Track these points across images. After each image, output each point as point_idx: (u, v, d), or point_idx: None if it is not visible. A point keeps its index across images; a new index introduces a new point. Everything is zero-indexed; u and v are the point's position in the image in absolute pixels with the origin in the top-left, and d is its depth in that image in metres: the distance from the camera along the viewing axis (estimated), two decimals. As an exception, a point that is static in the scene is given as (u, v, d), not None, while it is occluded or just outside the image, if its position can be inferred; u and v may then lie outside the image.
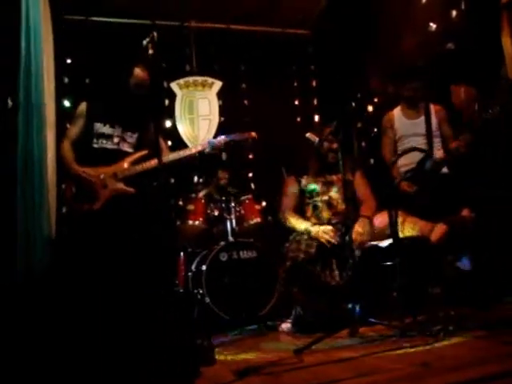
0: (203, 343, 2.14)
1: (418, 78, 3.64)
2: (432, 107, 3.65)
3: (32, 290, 2.64)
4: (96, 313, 2.32)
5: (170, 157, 2.93)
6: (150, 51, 2.44)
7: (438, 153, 3.36)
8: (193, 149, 3.07)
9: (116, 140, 2.97)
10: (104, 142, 2.95)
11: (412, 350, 2.02)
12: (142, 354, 1.94)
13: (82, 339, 2.08)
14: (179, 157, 2.96)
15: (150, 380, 1.85)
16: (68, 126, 3.96)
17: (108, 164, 2.87)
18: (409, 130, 3.62)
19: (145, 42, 2.48)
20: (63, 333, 2.16)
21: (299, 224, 3.12)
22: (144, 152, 2.94)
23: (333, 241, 2.97)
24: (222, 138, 3.10)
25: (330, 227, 3.01)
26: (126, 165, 2.89)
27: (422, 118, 3.61)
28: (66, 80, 4.49)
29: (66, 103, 4.40)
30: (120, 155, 2.92)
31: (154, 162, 2.85)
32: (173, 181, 4.45)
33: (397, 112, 3.73)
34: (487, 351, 1.86)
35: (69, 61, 4.57)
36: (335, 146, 3.09)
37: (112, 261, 2.60)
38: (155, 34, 2.42)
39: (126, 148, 2.98)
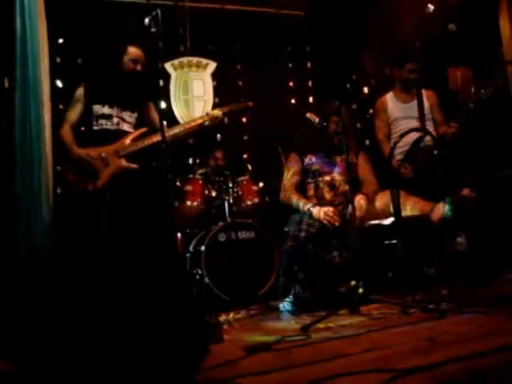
0: (211, 321, 2.16)
1: (415, 60, 3.66)
2: (424, 92, 3.70)
3: (34, 275, 2.64)
4: (99, 293, 2.33)
5: (171, 132, 2.93)
6: (153, 29, 2.42)
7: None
8: (192, 122, 3.08)
9: (116, 120, 2.97)
10: (104, 122, 2.94)
11: (415, 326, 2.07)
12: (150, 333, 1.96)
13: (84, 322, 2.09)
14: (181, 131, 2.96)
15: (159, 358, 1.87)
16: (61, 106, 3.95)
17: (109, 144, 2.86)
18: (402, 113, 3.67)
19: (147, 20, 2.46)
20: (62, 318, 2.16)
21: (301, 203, 3.14)
22: (144, 129, 2.94)
23: (334, 222, 2.99)
24: (218, 109, 3.12)
25: (331, 208, 3.03)
26: (127, 141, 2.88)
27: (415, 101, 3.67)
28: (59, 60, 4.43)
29: (59, 83, 4.34)
30: (120, 135, 2.92)
31: (155, 138, 2.85)
32: (169, 162, 4.42)
33: (390, 96, 3.77)
34: (489, 326, 1.91)
35: (61, 40, 4.50)
36: (340, 128, 3.11)
37: (114, 240, 2.61)
38: (159, 11, 2.40)
39: (126, 128, 2.98)
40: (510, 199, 3.36)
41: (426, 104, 3.66)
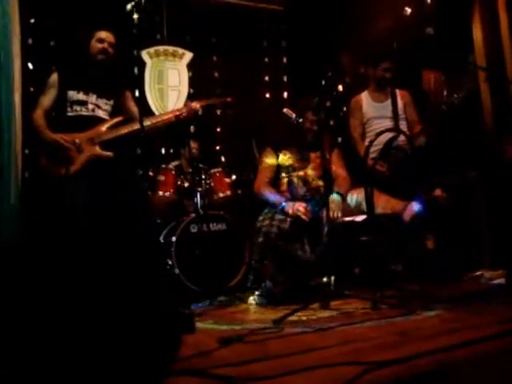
0: (183, 310, 2.15)
1: (389, 60, 3.72)
2: (398, 92, 3.76)
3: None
4: (69, 283, 2.28)
5: (149, 122, 2.90)
6: (135, 15, 2.39)
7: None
8: (170, 113, 3.05)
9: (91, 107, 2.91)
10: (78, 108, 2.89)
11: (386, 321, 2.12)
12: (121, 321, 1.93)
13: (53, 313, 2.04)
14: (158, 121, 2.93)
15: (130, 347, 1.85)
16: (32, 89, 3.85)
17: (84, 130, 2.81)
18: (376, 112, 3.72)
19: (129, 6, 2.42)
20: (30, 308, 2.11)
21: (274, 198, 3.15)
22: (120, 118, 2.90)
23: (304, 217, 3.01)
24: (196, 102, 3.10)
25: (303, 204, 3.05)
26: (103, 129, 2.84)
27: (389, 101, 3.73)
28: (30, 41, 4.30)
29: (30, 66, 4.22)
30: (96, 121, 2.87)
31: (131, 127, 2.81)
32: (140, 152, 4.38)
33: (364, 95, 3.82)
34: (459, 322, 1.97)
35: (32, 21, 4.37)
36: (315, 125, 3.14)
37: (86, 227, 2.56)
38: (142, -2, 2.37)
39: (102, 115, 2.93)
40: (475, 200, 3.47)
41: (400, 103, 3.72)
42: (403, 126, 3.67)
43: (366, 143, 3.34)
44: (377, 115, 3.71)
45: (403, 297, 2.52)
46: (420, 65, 3.89)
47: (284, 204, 3.07)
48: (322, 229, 2.95)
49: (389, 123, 3.66)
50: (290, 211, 3.00)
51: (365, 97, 3.80)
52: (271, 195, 3.18)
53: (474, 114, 3.79)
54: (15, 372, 1.45)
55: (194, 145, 4.14)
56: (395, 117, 3.67)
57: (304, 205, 3.04)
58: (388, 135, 3.33)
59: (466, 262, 3.11)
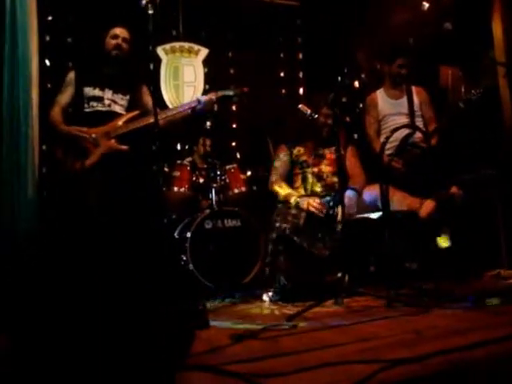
0: (197, 306, 2.16)
1: (404, 56, 3.68)
2: (414, 88, 3.73)
3: (18, 260, 2.59)
4: (86, 277, 2.30)
5: (164, 114, 2.91)
6: (150, 11, 2.40)
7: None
8: (185, 106, 3.06)
9: (107, 102, 2.94)
10: (95, 104, 2.92)
11: (401, 319, 2.10)
12: (136, 315, 1.95)
13: (70, 305, 2.06)
14: (173, 114, 2.95)
15: (144, 342, 1.86)
16: (49, 85, 3.90)
17: (100, 125, 2.84)
18: (392, 109, 3.69)
19: (144, 2, 2.43)
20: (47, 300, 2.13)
21: (288, 194, 3.15)
22: (136, 112, 2.92)
23: (319, 213, 3.00)
24: (212, 93, 3.10)
25: (317, 200, 3.04)
26: (119, 123, 2.86)
27: (405, 98, 3.69)
28: (48, 38, 4.34)
29: (48, 62, 4.26)
30: (112, 117, 2.89)
31: (147, 121, 2.83)
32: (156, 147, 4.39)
33: (380, 92, 3.79)
34: (474, 321, 1.94)
35: (50, 18, 4.41)
36: (330, 121, 3.12)
37: (101, 221, 2.58)
38: (157, -7, 2.37)
39: (118, 110, 2.96)
40: (494, 198, 3.42)
41: (416, 100, 3.68)
42: (419, 122, 3.63)
43: (382, 140, 3.31)
44: (392, 112, 3.68)
45: (419, 295, 2.50)
46: (437, 60, 3.84)
47: (299, 199, 3.07)
48: (336, 225, 2.94)
49: (405, 120, 3.62)
50: (305, 206, 3.00)
51: (380, 94, 3.77)
52: (285, 191, 3.18)
53: (491, 110, 3.73)
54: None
55: (204, 141, 4.14)
56: (411, 113, 3.63)
57: (318, 200, 3.04)
58: (404, 132, 3.30)
59: (483, 261, 3.07)
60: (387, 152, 3.44)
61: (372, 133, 3.71)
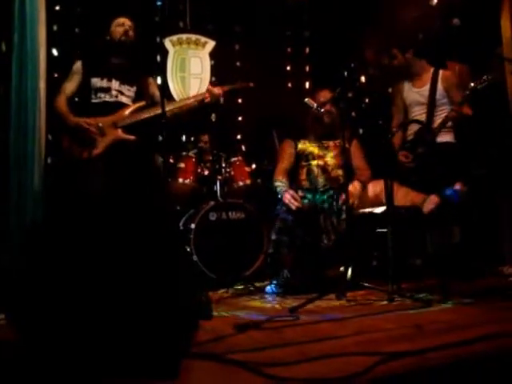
0: (201, 297, 2.18)
1: (413, 48, 3.63)
2: (441, 73, 3.54)
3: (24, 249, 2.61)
4: (92, 265, 2.32)
5: (171, 106, 2.93)
6: (159, 3, 2.41)
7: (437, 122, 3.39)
8: (192, 98, 3.07)
9: (114, 93, 2.96)
10: (102, 95, 2.94)
11: (402, 313, 2.12)
12: (140, 306, 1.97)
13: (76, 294, 2.08)
14: (180, 106, 2.96)
15: (149, 331, 1.88)
16: (56, 75, 3.91)
17: (107, 115, 2.86)
18: (415, 98, 3.59)
19: (152, -6, 2.44)
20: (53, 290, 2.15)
21: (278, 186, 3.18)
22: (143, 103, 2.94)
23: (291, 205, 2.98)
24: (220, 87, 3.12)
25: (291, 191, 3.04)
26: (126, 113, 2.88)
27: (428, 85, 3.53)
28: (55, 28, 4.35)
29: (55, 52, 4.28)
30: (119, 107, 2.91)
31: (154, 112, 2.84)
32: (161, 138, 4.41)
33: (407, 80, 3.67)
34: (477, 316, 1.96)
35: (57, 8, 4.42)
36: (336, 115, 3.14)
37: (107, 210, 2.59)
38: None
39: (125, 100, 2.98)
40: (497, 196, 3.42)
41: (440, 87, 3.49)
42: (441, 111, 3.44)
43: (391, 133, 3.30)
44: (415, 101, 3.57)
45: (421, 290, 2.51)
46: (445, 56, 3.82)
47: (283, 192, 3.08)
48: (339, 217, 2.96)
49: (422, 111, 3.51)
50: (285, 200, 3.01)
51: (406, 82, 3.66)
52: (278, 183, 3.20)
53: (498, 105, 3.71)
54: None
55: (203, 138, 4.15)
56: (431, 103, 3.46)
57: (292, 192, 3.04)
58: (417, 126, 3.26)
59: (488, 258, 3.08)
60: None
61: (394, 127, 3.61)
